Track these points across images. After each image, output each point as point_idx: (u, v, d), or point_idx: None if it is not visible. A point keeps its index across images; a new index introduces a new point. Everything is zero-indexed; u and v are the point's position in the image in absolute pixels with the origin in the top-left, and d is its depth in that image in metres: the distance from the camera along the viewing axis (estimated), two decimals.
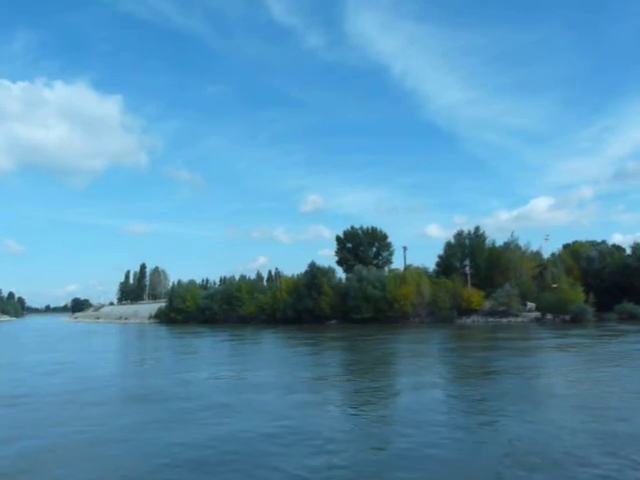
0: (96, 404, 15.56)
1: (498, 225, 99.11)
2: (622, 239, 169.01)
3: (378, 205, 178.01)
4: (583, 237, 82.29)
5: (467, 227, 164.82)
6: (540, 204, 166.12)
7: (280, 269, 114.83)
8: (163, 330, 65.43)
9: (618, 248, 77.43)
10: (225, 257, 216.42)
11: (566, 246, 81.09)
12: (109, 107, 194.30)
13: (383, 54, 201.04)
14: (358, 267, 64.69)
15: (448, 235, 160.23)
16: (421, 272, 63.14)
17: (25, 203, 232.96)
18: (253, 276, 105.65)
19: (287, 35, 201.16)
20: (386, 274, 64.66)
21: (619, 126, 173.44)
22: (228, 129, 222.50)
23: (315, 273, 67.70)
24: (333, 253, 79.55)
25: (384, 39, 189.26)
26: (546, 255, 71.56)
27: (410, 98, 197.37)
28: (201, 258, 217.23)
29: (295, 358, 28.16)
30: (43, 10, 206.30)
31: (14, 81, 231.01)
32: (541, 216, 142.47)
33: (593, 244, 78.77)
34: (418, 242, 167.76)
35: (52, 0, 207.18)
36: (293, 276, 76.99)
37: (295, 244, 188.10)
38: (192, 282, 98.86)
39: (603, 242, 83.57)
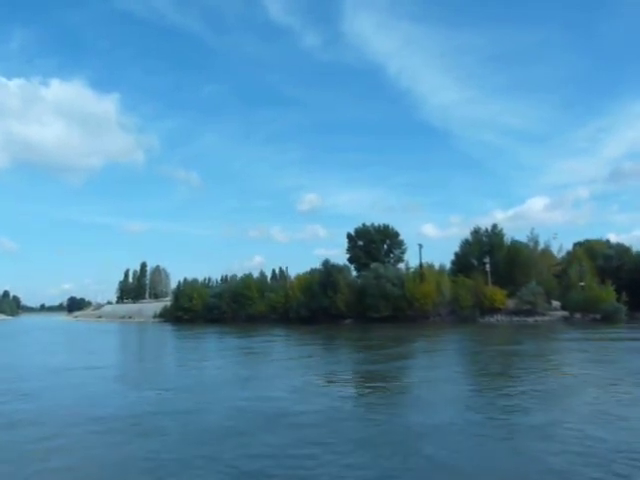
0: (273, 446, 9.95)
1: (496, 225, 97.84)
2: (616, 239, 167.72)
3: (374, 205, 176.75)
4: (578, 237, 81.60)
5: (463, 227, 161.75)
6: (536, 204, 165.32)
7: (276, 268, 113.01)
8: (178, 330, 62.31)
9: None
10: (222, 256, 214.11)
11: (576, 244, 79.97)
12: (106, 105, 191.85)
13: (380, 54, 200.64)
14: (375, 264, 62.97)
15: (444, 234, 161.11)
16: (441, 270, 61.48)
17: (20, 201, 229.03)
18: (255, 274, 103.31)
19: (284, 34, 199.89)
20: (403, 272, 62.90)
21: (614, 127, 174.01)
22: (225, 128, 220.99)
23: (330, 271, 65.93)
24: (329, 252, 79.44)
25: (381, 39, 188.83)
26: (559, 253, 70.55)
27: (406, 98, 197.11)
28: (198, 257, 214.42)
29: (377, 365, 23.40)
30: (40, 8, 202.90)
31: (10, 78, 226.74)
32: (537, 216, 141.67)
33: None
34: (414, 241, 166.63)
35: None
36: (306, 274, 75.30)
37: (291, 243, 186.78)
38: (195, 281, 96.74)
39: (607, 241, 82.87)
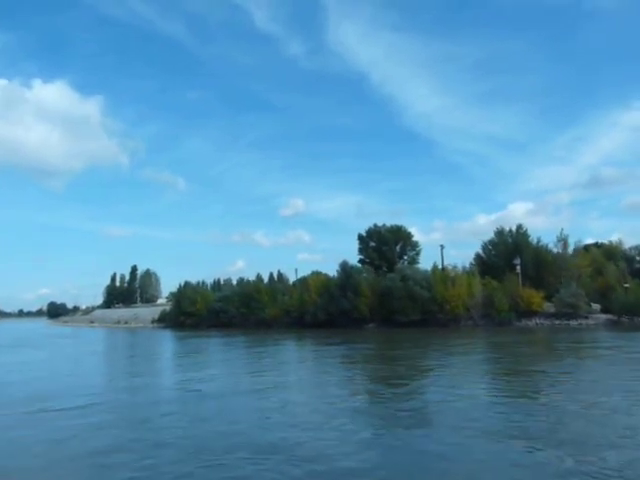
0: None
1: (478, 229, 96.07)
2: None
3: (358, 210, 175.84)
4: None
5: (446, 232, 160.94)
6: (518, 209, 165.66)
7: (260, 273, 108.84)
8: (194, 336, 57.03)
9: None
10: (205, 260, 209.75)
11: (588, 246, 78.44)
12: (89, 108, 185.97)
13: (363, 62, 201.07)
14: (400, 266, 59.89)
15: (427, 239, 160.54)
16: (471, 271, 58.66)
17: None
18: (235, 279, 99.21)
19: (268, 42, 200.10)
20: (430, 273, 59.89)
21: (592, 134, 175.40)
22: (209, 133, 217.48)
23: (350, 272, 62.55)
24: (313, 257, 77.11)
25: (364, 48, 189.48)
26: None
27: (389, 105, 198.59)
28: (181, 261, 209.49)
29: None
30: (23, 12, 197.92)
31: None
32: (519, 221, 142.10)
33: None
34: None
35: (33, 2, 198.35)
36: (312, 276, 72.00)
37: (274, 248, 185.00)
38: (189, 284, 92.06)
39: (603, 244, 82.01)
